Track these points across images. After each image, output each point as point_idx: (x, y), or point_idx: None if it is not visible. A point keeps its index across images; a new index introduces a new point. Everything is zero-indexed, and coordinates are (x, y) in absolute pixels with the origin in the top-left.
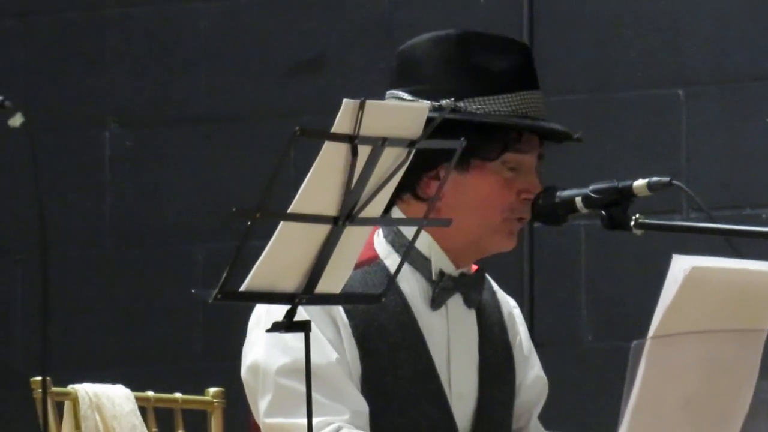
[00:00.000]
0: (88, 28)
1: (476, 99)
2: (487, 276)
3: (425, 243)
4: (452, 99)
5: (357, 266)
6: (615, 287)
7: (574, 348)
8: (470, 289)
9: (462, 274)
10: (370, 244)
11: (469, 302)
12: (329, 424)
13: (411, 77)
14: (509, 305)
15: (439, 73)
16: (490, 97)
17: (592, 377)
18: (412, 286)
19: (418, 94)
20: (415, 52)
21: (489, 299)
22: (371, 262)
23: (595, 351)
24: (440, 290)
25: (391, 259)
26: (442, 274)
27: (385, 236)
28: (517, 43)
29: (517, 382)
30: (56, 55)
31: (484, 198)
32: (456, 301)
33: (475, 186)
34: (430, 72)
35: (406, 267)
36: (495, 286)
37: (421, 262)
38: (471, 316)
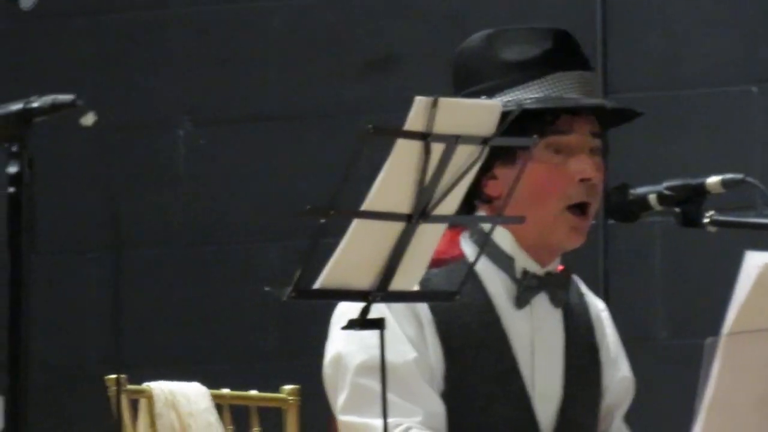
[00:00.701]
0: (160, 26)
1: (507, 92)
2: (576, 277)
3: (508, 242)
4: (483, 98)
5: (442, 264)
6: (690, 284)
7: (649, 345)
8: (556, 288)
9: (548, 273)
10: (456, 243)
11: (555, 302)
12: (399, 425)
13: (459, 82)
14: (597, 307)
15: (473, 74)
16: (521, 86)
17: (667, 375)
18: (496, 285)
19: (464, 97)
20: (459, 57)
21: (577, 300)
22: (456, 260)
23: (670, 348)
24: (525, 289)
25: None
26: (526, 272)
27: (471, 236)
28: (548, 31)
29: (604, 384)
30: (128, 54)
31: (535, 187)
32: (541, 301)
33: (526, 177)
34: (469, 75)
35: (491, 266)
36: (584, 288)
37: (505, 262)
38: (557, 316)
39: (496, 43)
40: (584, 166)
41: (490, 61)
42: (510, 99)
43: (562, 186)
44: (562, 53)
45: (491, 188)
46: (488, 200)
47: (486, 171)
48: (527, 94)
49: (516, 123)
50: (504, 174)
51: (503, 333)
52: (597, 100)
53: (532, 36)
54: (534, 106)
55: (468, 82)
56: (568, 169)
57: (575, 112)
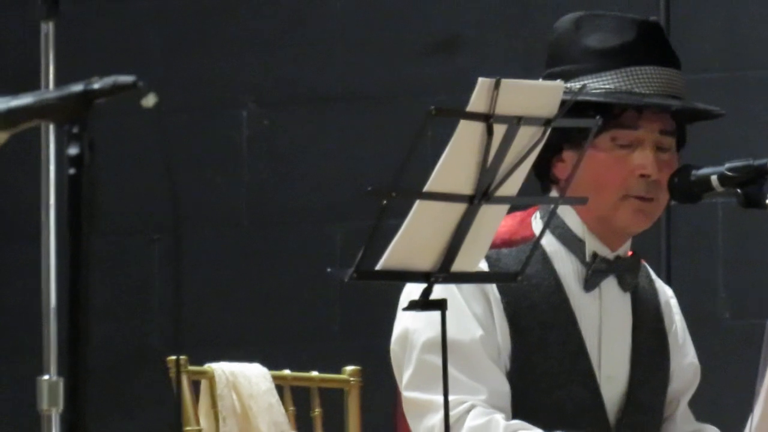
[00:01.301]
0: (223, 7)
1: (580, 78)
2: (645, 263)
3: (578, 225)
4: (559, 81)
5: (512, 244)
6: (753, 265)
7: (712, 326)
8: (625, 272)
9: (617, 257)
10: (528, 224)
11: (624, 286)
12: (463, 402)
13: (547, 61)
14: (666, 294)
15: (557, 57)
16: (594, 75)
17: (730, 355)
18: (566, 267)
19: (545, 78)
20: (551, 35)
21: (646, 285)
22: (526, 241)
23: (733, 329)
24: (593, 272)
25: (546, 240)
26: (595, 256)
27: (542, 217)
28: (635, 21)
29: (671, 369)
30: (192, 36)
31: (596, 176)
32: (610, 284)
33: (586, 164)
34: (553, 56)
35: (561, 248)
36: (653, 274)
37: (575, 244)
38: (626, 300)
39: (581, 27)
40: (645, 162)
41: (573, 45)
42: (580, 86)
43: (620, 178)
44: (643, 46)
45: (560, 170)
46: (556, 181)
47: (556, 152)
48: (599, 84)
49: (583, 111)
50: (570, 157)
51: (571, 314)
52: (663, 100)
53: (618, 25)
54: (594, 98)
55: (552, 62)
56: (629, 163)
57: (641, 108)
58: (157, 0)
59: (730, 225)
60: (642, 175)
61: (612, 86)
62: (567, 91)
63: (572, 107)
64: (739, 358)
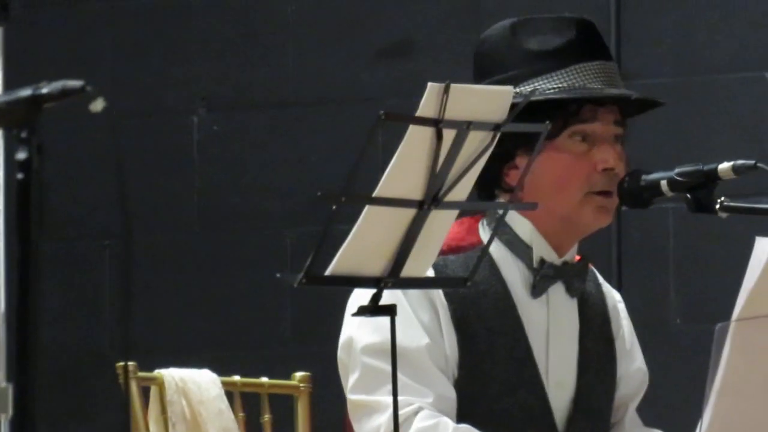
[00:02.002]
0: (175, 11)
1: (530, 81)
2: (593, 268)
3: (526, 231)
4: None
5: (459, 251)
6: (703, 270)
7: (663, 331)
8: (572, 277)
9: (564, 263)
10: (475, 230)
11: (571, 291)
12: (410, 404)
13: (480, 72)
14: (614, 299)
15: (498, 65)
16: (544, 76)
17: (680, 360)
18: (513, 273)
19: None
20: (481, 47)
21: (593, 290)
22: (474, 247)
23: (683, 334)
24: (541, 278)
25: (493, 246)
26: (543, 262)
27: (488, 224)
28: (572, 20)
29: (618, 374)
30: (143, 41)
31: (558, 176)
32: (558, 290)
33: (547, 166)
34: (492, 65)
35: (508, 254)
36: (600, 279)
37: (522, 250)
38: (573, 305)
39: (519, 32)
40: (607, 155)
41: (514, 51)
42: (533, 89)
43: (584, 175)
44: (585, 43)
45: (513, 177)
46: (509, 189)
47: (507, 160)
48: (551, 84)
49: (540, 113)
50: (525, 163)
51: (519, 321)
52: (621, 90)
53: (556, 26)
54: (558, 95)
55: (490, 71)
56: (591, 158)
57: (598, 101)
58: (107, 5)
59: (681, 230)
60: (605, 170)
61: (565, 84)
62: (518, 95)
63: (527, 112)
64: (690, 362)
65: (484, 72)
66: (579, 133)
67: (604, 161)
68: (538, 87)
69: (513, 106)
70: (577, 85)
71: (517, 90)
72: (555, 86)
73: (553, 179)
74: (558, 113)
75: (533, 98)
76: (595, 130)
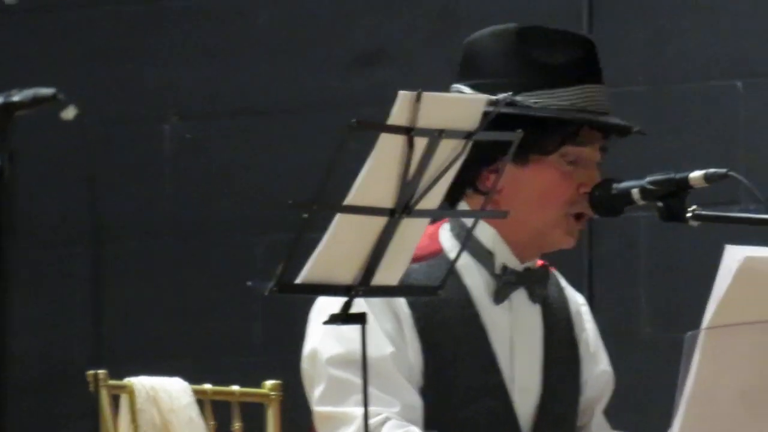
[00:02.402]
0: (146, 20)
1: (534, 93)
2: (556, 272)
3: (489, 237)
4: (510, 93)
5: (421, 259)
6: (674, 279)
7: (633, 340)
8: (535, 284)
9: (526, 269)
10: (436, 238)
11: (533, 297)
12: (378, 414)
13: (472, 71)
14: (577, 302)
15: (498, 68)
16: (548, 91)
17: (651, 369)
18: (475, 280)
19: (478, 88)
20: (477, 46)
21: (556, 295)
22: (436, 255)
23: (654, 343)
24: (503, 284)
25: (455, 253)
26: (505, 268)
27: (451, 230)
28: (579, 37)
29: (583, 378)
30: (115, 48)
31: (542, 191)
32: (520, 296)
33: (533, 180)
34: (490, 66)
35: (470, 261)
36: (563, 282)
37: (485, 257)
38: (536, 311)
39: (527, 40)
40: (590, 180)
41: (519, 57)
42: (537, 101)
43: (567, 194)
44: (589, 63)
45: (491, 181)
46: (482, 192)
47: (489, 163)
48: (555, 100)
49: (537, 127)
50: (512, 172)
51: (482, 328)
52: (625, 122)
53: (563, 40)
54: (568, 116)
55: (485, 72)
56: (576, 180)
57: (597, 127)
58: (80, 12)
59: (653, 239)
60: (584, 192)
61: (568, 103)
62: (517, 104)
63: (524, 123)
64: (661, 371)
65: (479, 72)
66: (572, 154)
67: (586, 185)
68: (543, 102)
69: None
70: (579, 105)
71: (519, 98)
72: (559, 104)
73: (538, 193)
74: (556, 130)
75: (539, 114)
76: (586, 154)
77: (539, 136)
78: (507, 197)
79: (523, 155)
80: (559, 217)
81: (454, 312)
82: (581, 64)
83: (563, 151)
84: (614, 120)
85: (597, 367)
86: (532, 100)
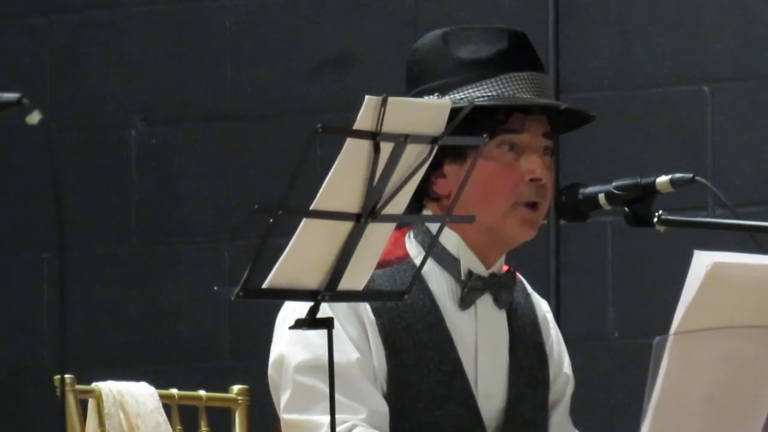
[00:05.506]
0: (112, 25)
1: (459, 90)
2: (521, 278)
3: (453, 243)
4: (436, 95)
5: (386, 265)
6: (642, 284)
7: (600, 345)
8: (500, 289)
9: (492, 275)
10: (401, 244)
11: (499, 303)
12: (345, 422)
13: (410, 81)
14: (542, 309)
15: (429, 73)
16: (473, 85)
17: (618, 374)
18: (441, 286)
19: (418, 95)
20: (412, 56)
21: (522, 301)
22: (401, 261)
23: (621, 348)
24: (469, 290)
25: (420, 259)
26: (471, 274)
27: (416, 236)
28: (504, 31)
29: (550, 382)
30: (80, 53)
31: (486, 185)
32: (486, 302)
33: (474, 175)
34: (424, 73)
35: (435, 267)
36: (529, 288)
37: (450, 262)
38: (501, 316)
39: (450, 41)
40: (534, 166)
41: (444, 59)
42: (462, 97)
43: (511, 184)
44: (516, 53)
45: (440, 186)
46: (437, 198)
47: (435, 168)
48: (480, 92)
49: (468, 121)
50: (453, 171)
51: (447, 333)
52: (549, 100)
53: (487, 35)
54: (486, 103)
55: (421, 79)
56: (518, 168)
57: (527, 111)
58: (46, 17)
59: (620, 244)
60: (532, 180)
61: (494, 93)
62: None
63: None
64: (628, 376)
65: (415, 80)
66: (507, 142)
67: (531, 171)
68: (468, 95)
69: (450, 118)
70: (506, 94)
71: (448, 98)
72: (484, 94)
73: (480, 188)
74: (486, 122)
75: (456, 105)
76: (523, 141)
77: (468, 130)
78: (461, 199)
79: (461, 154)
80: (507, 208)
81: (419, 318)
82: (506, 54)
83: (499, 141)
84: (539, 100)
85: (560, 370)
86: (458, 96)
